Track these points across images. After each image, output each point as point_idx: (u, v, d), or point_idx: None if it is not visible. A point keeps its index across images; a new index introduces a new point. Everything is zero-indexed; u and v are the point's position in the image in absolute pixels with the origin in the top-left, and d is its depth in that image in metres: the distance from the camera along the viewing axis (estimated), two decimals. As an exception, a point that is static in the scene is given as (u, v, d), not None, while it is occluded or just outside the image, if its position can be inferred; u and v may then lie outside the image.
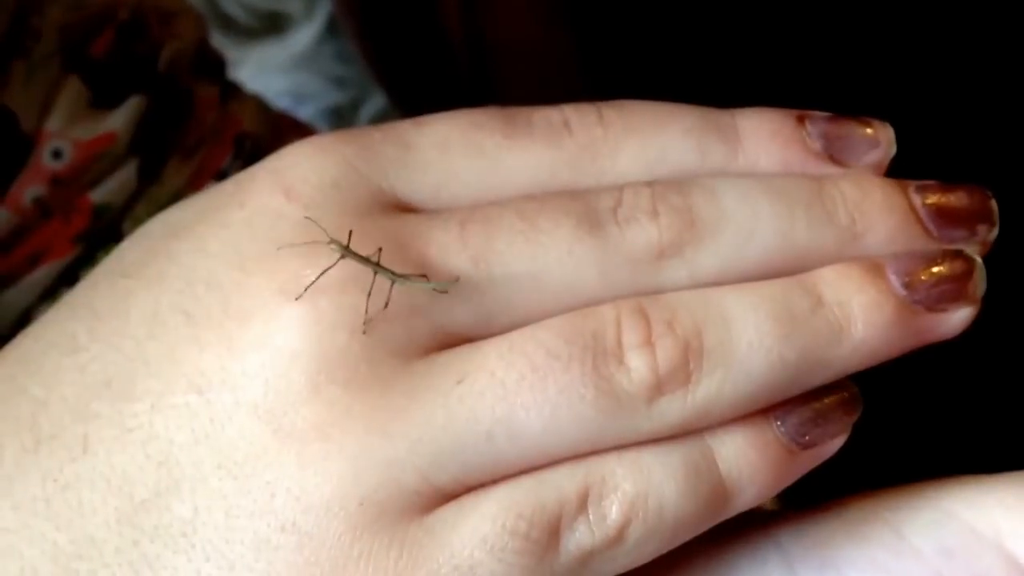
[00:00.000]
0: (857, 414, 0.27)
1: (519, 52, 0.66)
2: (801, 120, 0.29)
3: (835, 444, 0.27)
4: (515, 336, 0.25)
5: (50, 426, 0.25)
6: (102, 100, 0.41)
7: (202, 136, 0.44)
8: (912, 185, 0.28)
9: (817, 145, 0.29)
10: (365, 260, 0.25)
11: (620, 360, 0.25)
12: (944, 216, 0.28)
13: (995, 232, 0.28)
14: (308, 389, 0.25)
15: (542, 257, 0.26)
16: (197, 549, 0.24)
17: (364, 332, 0.25)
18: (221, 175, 0.44)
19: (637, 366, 0.25)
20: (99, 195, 0.42)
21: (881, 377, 0.28)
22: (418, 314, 0.26)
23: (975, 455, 0.33)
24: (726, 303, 0.26)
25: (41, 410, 0.25)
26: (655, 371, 0.25)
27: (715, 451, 0.26)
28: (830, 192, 0.28)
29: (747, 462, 0.26)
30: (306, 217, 0.26)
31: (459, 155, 0.28)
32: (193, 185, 0.44)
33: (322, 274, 0.25)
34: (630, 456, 0.25)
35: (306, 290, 0.25)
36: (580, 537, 0.25)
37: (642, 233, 0.27)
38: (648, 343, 0.25)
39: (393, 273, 0.25)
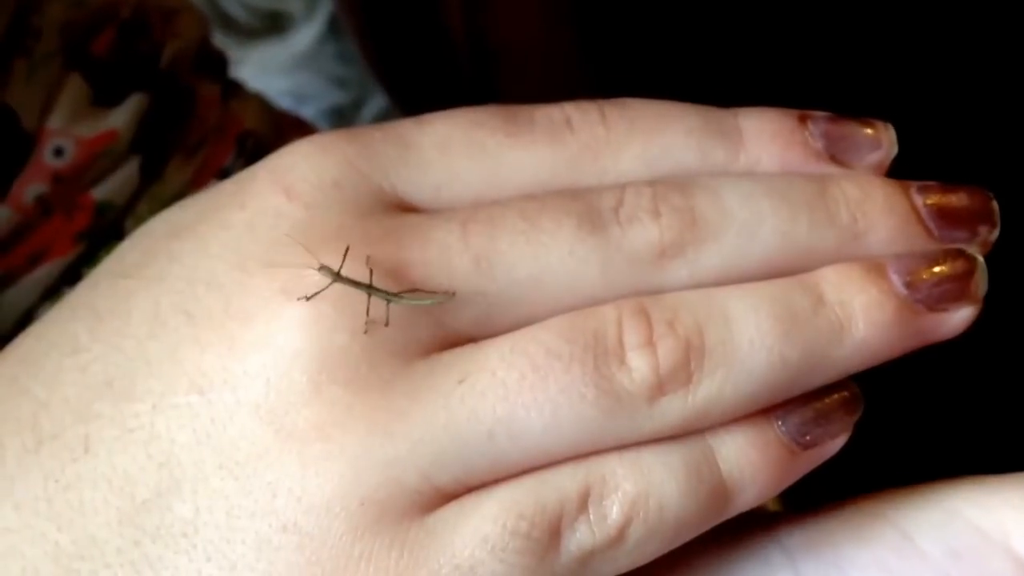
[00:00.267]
0: (858, 414, 0.27)
1: (521, 52, 0.66)
2: (803, 120, 0.29)
3: (836, 444, 0.27)
4: (516, 336, 0.25)
5: (52, 426, 0.25)
6: (104, 98, 0.41)
7: (204, 134, 0.44)
8: (914, 186, 0.28)
9: (819, 145, 0.29)
10: (357, 284, 0.25)
11: (621, 360, 0.25)
12: (945, 217, 0.28)
13: (996, 233, 0.28)
14: (309, 389, 0.25)
15: (544, 257, 0.26)
16: (198, 549, 0.24)
17: (365, 332, 0.25)
18: (223, 173, 0.44)
19: (638, 366, 0.25)
20: (101, 193, 0.42)
21: (883, 377, 0.27)
22: (419, 314, 0.26)
23: (979, 455, 0.33)
24: (727, 303, 0.26)
25: (43, 410, 0.26)
26: (656, 371, 0.25)
27: (716, 451, 0.26)
28: (832, 192, 0.28)
29: (748, 462, 0.26)
30: (289, 235, 0.26)
31: (460, 154, 0.28)
32: (195, 183, 0.44)
33: (316, 294, 0.25)
34: (631, 456, 0.25)
35: (309, 299, 0.25)
36: (581, 537, 0.25)
37: (644, 233, 0.26)
38: (649, 343, 0.25)
39: (387, 293, 0.25)
